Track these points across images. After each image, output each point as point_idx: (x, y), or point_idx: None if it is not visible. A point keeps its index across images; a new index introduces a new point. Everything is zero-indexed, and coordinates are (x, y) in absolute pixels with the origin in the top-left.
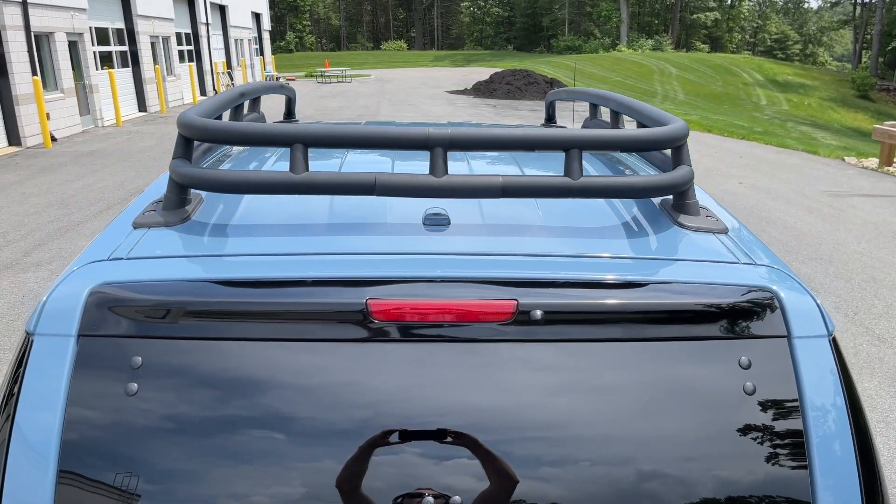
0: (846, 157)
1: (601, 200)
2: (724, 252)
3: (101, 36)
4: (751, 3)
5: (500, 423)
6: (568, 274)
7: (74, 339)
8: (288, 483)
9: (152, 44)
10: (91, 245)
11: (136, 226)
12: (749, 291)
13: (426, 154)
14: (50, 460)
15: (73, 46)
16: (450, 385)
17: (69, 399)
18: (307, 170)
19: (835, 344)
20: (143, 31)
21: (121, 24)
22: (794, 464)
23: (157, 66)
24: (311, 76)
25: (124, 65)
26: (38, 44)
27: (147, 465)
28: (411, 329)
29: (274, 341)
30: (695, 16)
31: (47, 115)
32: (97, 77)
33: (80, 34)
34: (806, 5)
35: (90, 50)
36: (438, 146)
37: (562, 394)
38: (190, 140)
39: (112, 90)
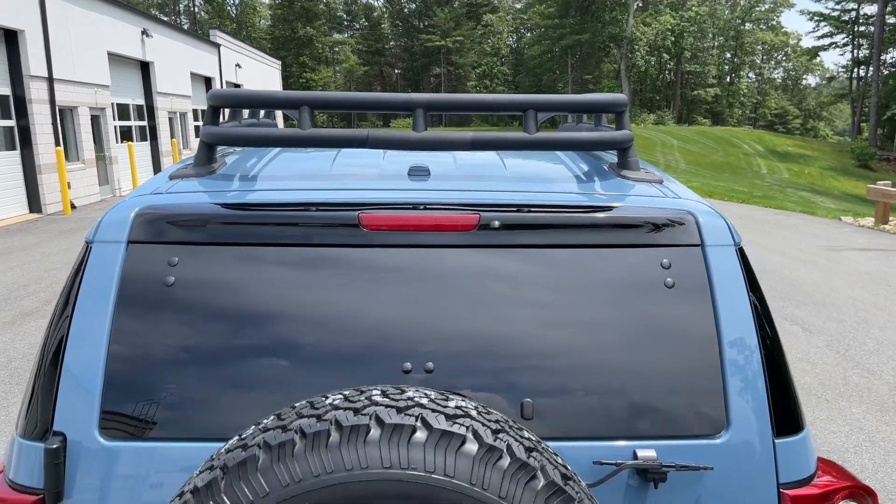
0: (843, 217)
1: (560, 162)
2: (656, 192)
3: (122, 111)
4: (750, 80)
5: (467, 306)
6: (523, 199)
7: (125, 245)
8: (302, 345)
9: (170, 119)
10: (136, 189)
11: (171, 177)
12: (672, 213)
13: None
14: (103, 337)
15: (95, 120)
16: (425, 279)
17: (120, 289)
18: (312, 127)
19: (741, 252)
20: (162, 107)
21: (141, 101)
22: (705, 339)
23: (174, 139)
24: None
25: (143, 138)
26: (62, 117)
27: (181, 336)
28: (395, 236)
29: (285, 246)
30: (695, 92)
31: (68, 184)
32: (117, 149)
33: (103, 109)
34: (804, 82)
35: (111, 124)
36: (419, 107)
37: (518, 285)
38: (217, 109)
39: (131, 162)
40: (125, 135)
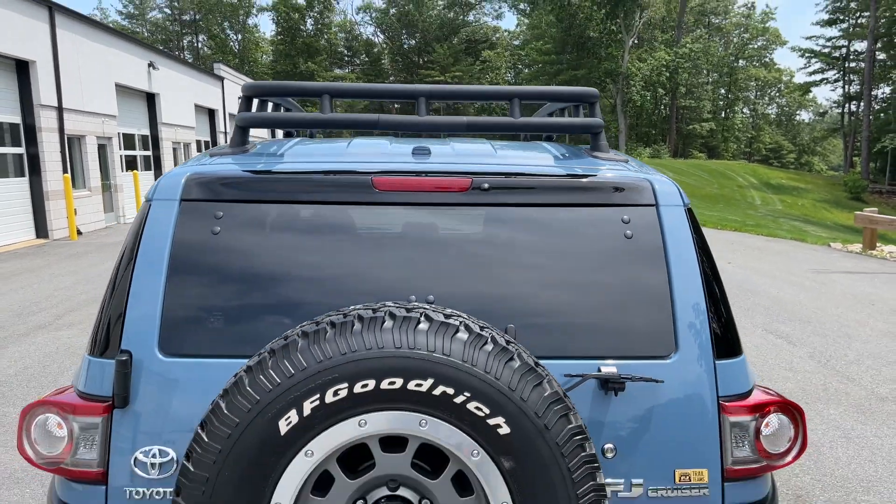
0: (832, 244)
1: (542, 149)
2: (622, 166)
3: (128, 140)
4: (744, 115)
5: (462, 252)
6: (509, 169)
7: (178, 202)
8: (324, 280)
9: (174, 149)
10: (181, 164)
11: (212, 154)
12: (632, 180)
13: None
14: (161, 274)
15: (101, 149)
16: (427, 231)
17: (174, 236)
18: (332, 111)
19: (689, 211)
20: (167, 137)
21: (146, 131)
22: (658, 279)
23: None
24: None
25: (147, 167)
26: (70, 145)
27: (224, 273)
28: (403, 196)
29: (310, 203)
30: (691, 126)
31: (75, 210)
32: (122, 178)
33: (109, 138)
34: (798, 117)
35: (117, 153)
36: (422, 96)
37: (505, 235)
38: (250, 98)
39: (136, 190)
40: (130, 164)
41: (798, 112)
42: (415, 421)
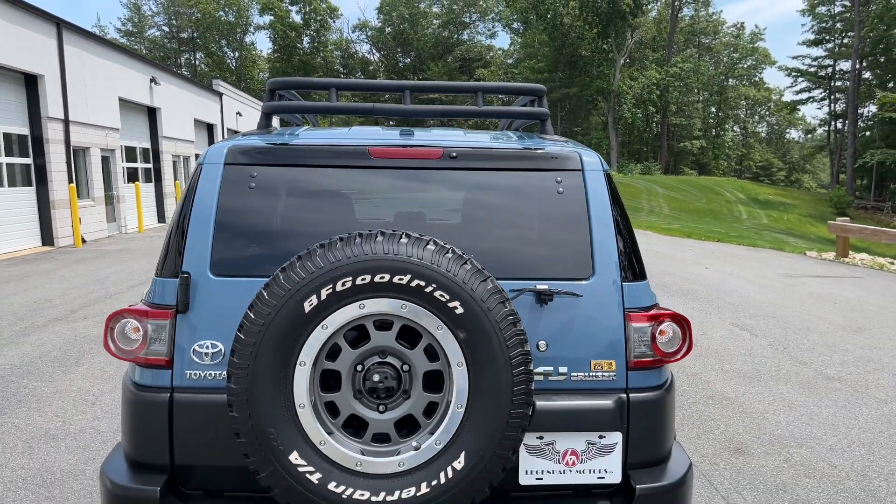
0: (808, 252)
1: (503, 133)
2: (561, 144)
3: (130, 153)
4: (735, 133)
5: (437, 203)
6: (473, 144)
7: (222, 165)
8: (332, 223)
9: (174, 162)
10: (221, 141)
11: (244, 135)
12: (565, 151)
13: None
14: (210, 225)
15: (104, 161)
16: (411, 189)
17: (220, 189)
18: (337, 101)
19: (607, 175)
20: (167, 150)
21: (147, 144)
22: (581, 224)
23: (177, 182)
24: None
25: (148, 180)
26: (76, 156)
27: (257, 215)
28: (390, 161)
29: (318, 167)
30: (682, 144)
31: (79, 219)
32: (124, 189)
33: (112, 150)
34: (788, 135)
35: (120, 165)
36: (407, 89)
37: (470, 190)
38: (273, 91)
39: (137, 201)
40: (132, 176)
41: (788, 130)
42: (398, 304)
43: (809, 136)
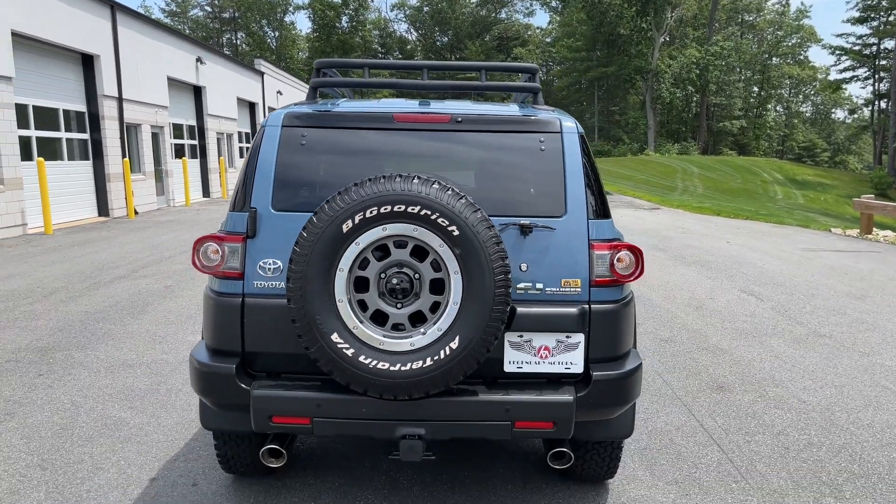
0: (833, 229)
1: (504, 105)
2: (548, 112)
3: (177, 130)
4: (777, 113)
5: (446, 158)
6: (475, 111)
7: (280, 127)
8: (365, 172)
9: (218, 139)
10: (278, 109)
11: (296, 104)
12: (548, 117)
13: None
14: (272, 172)
15: (154, 137)
16: (425, 145)
17: (279, 145)
18: (369, 77)
19: (581, 137)
20: (212, 127)
21: (193, 122)
22: (557, 173)
23: (221, 158)
24: None
25: (193, 156)
26: (128, 133)
27: (307, 165)
28: (411, 123)
29: (355, 129)
30: (721, 124)
31: (132, 191)
32: (172, 165)
33: (162, 127)
34: (833, 115)
35: (168, 141)
36: (425, 68)
37: (473, 148)
38: (319, 69)
39: (184, 176)
40: (179, 152)
41: (833, 110)
42: (411, 228)
43: (854, 116)
